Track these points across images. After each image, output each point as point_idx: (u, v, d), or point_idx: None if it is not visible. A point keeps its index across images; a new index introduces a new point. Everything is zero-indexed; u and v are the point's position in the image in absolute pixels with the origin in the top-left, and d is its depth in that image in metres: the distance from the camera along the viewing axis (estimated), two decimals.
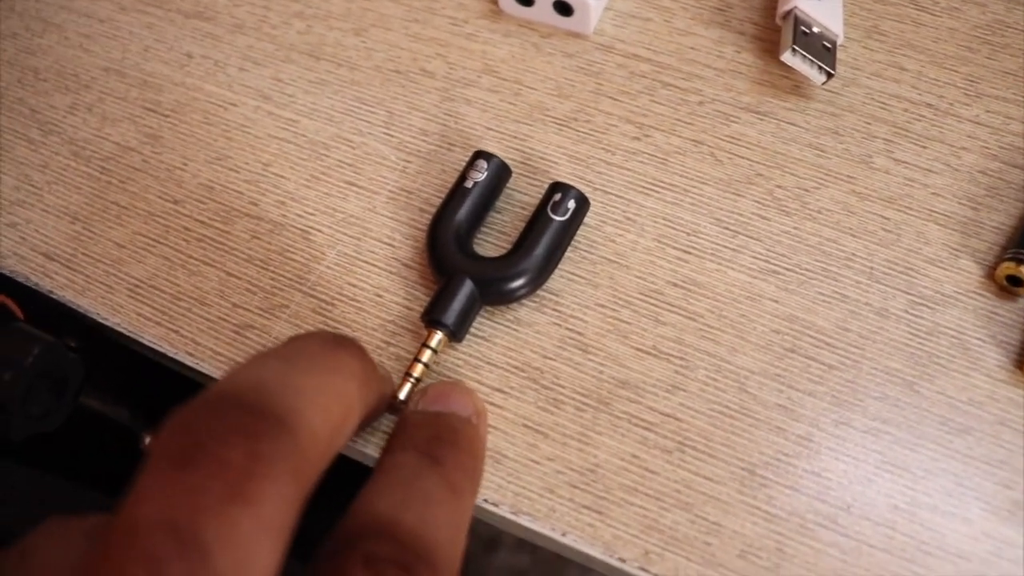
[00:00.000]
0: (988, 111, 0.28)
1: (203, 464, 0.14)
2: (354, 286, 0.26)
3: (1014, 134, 0.27)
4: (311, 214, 0.27)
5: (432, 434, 0.20)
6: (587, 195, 0.25)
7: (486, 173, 0.26)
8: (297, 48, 0.30)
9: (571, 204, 0.25)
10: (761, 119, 0.27)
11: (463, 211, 0.25)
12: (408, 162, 0.28)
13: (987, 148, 0.27)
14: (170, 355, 0.25)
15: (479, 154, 0.26)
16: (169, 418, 0.16)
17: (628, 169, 0.27)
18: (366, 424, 0.23)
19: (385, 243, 0.27)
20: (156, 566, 0.13)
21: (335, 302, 0.26)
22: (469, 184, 0.25)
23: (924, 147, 0.27)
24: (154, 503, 0.14)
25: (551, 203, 0.25)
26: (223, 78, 0.30)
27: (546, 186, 0.26)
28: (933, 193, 0.26)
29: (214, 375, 0.25)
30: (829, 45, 0.27)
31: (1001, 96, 0.28)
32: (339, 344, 0.19)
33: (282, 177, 0.28)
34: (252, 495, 0.14)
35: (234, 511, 0.14)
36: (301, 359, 0.18)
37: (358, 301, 0.26)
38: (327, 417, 0.17)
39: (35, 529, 0.17)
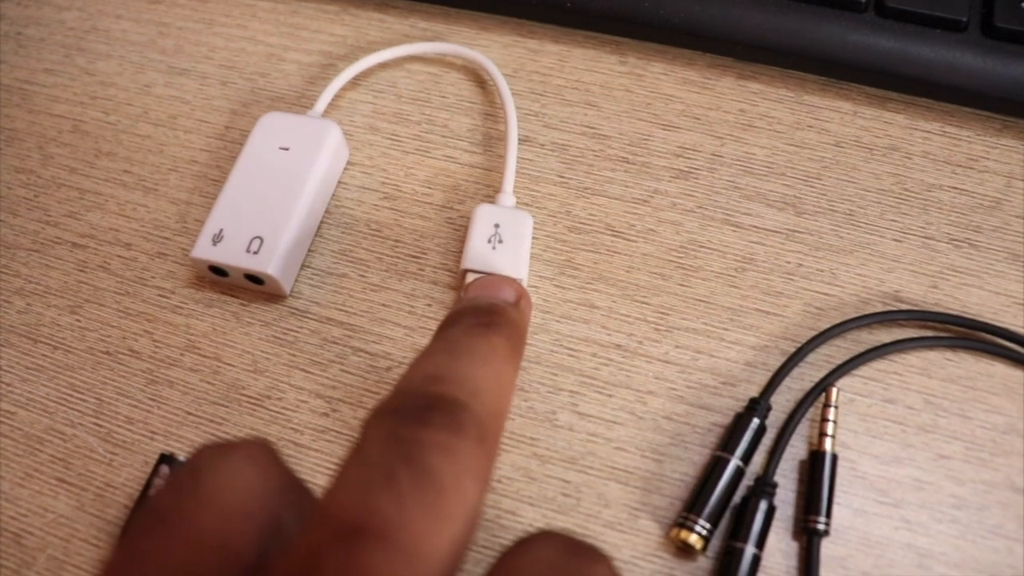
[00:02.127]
0: (678, 346, 0.29)
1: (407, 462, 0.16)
2: None
3: (702, 370, 0.28)
4: (24, 516, 0.28)
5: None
6: None
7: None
8: (16, 330, 0.31)
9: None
10: None
11: None
12: (114, 455, 0.29)
13: (674, 389, 0.28)
14: None
15: (162, 459, 0.27)
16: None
17: (316, 450, 0.28)
18: None
19: (91, 543, 0.28)
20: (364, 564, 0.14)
21: None
22: (152, 491, 0.26)
23: (610, 396, 0.28)
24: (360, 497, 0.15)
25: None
26: None
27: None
28: (616, 448, 0.27)
29: None
30: None
31: (691, 327, 0.29)
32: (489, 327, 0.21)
33: None
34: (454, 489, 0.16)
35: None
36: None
37: None
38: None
39: (196, 452, 0.18)
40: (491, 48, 0.35)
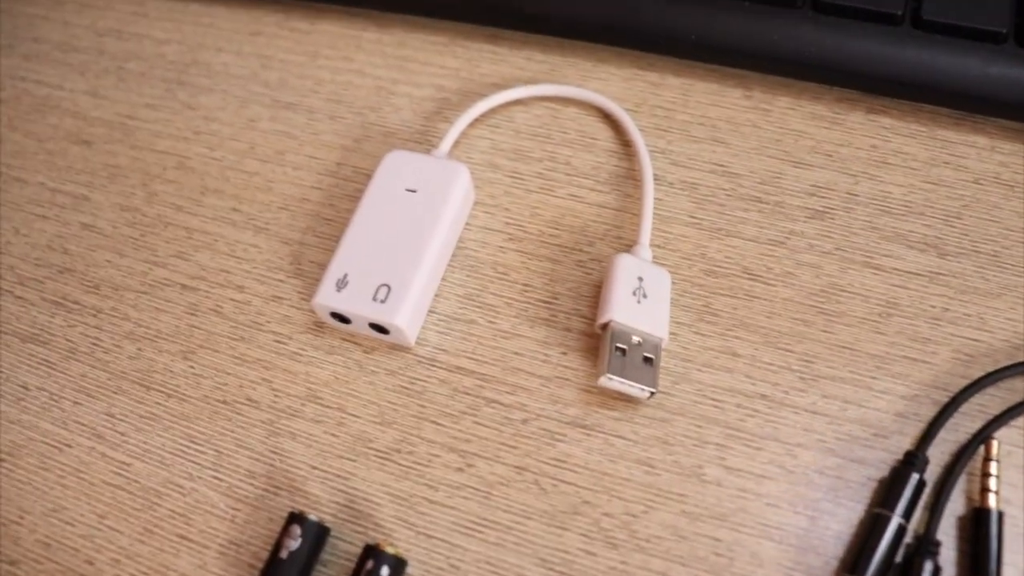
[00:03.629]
0: (824, 396, 0.28)
1: None
2: None
3: (851, 421, 0.27)
4: (145, 573, 0.27)
5: None
6: (411, 540, 0.26)
7: (300, 540, 0.26)
8: (128, 376, 0.30)
9: (384, 572, 0.25)
10: (588, 435, 0.27)
11: None
12: (237, 510, 0.28)
13: (823, 442, 0.27)
14: None
15: (292, 518, 0.26)
16: None
17: (451, 507, 0.27)
18: None
19: None
20: None
21: None
22: (284, 555, 0.26)
23: (759, 448, 0.27)
24: None
25: (364, 572, 0.25)
26: (57, 415, 0.30)
27: (362, 543, 0.26)
28: (767, 504, 0.26)
29: None
30: (651, 355, 0.27)
31: (838, 376, 0.28)
32: None
33: (116, 531, 0.28)
34: None
35: None
36: None
37: None
38: None
39: None
40: (610, 82, 0.34)
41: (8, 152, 0.36)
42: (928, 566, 0.25)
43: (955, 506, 0.26)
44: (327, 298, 0.29)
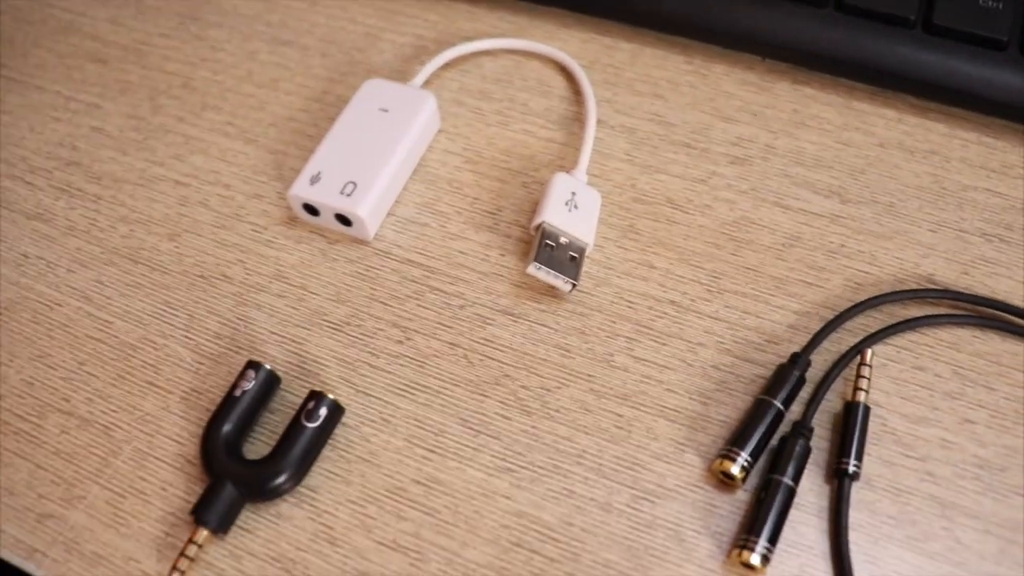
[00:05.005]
0: (727, 306, 0.32)
1: None
2: (144, 480, 0.30)
3: (748, 328, 0.31)
4: (114, 411, 0.32)
5: None
6: (351, 396, 0.30)
7: (254, 382, 0.30)
8: (119, 252, 0.35)
9: (323, 411, 0.29)
10: (515, 321, 0.32)
11: (232, 418, 0.30)
12: (201, 364, 0.32)
13: (722, 343, 0.31)
14: None
15: (249, 364, 0.30)
16: None
17: (389, 372, 0.31)
18: None
19: (174, 440, 0.31)
20: None
21: (126, 495, 0.30)
22: (238, 393, 0.30)
23: (664, 344, 0.31)
24: None
25: (305, 410, 0.29)
26: (52, 279, 0.35)
27: (307, 391, 0.30)
28: (667, 389, 0.31)
29: (14, 562, 0.29)
30: (576, 255, 0.32)
31: (740, 291, 0.32)
32: None
33: (93, 376, 0.32)
34: None
35: None
36: None
37: (145, 494, 0.30)
38: None
39: None
40: (569, 42, 0.39)
41: (31, 64, 0.41)
42: (799, 444, 0.29)
43: (831, 405, 0.31)
44: (301, 189, 0.33)
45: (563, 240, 0.31)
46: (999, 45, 0.34)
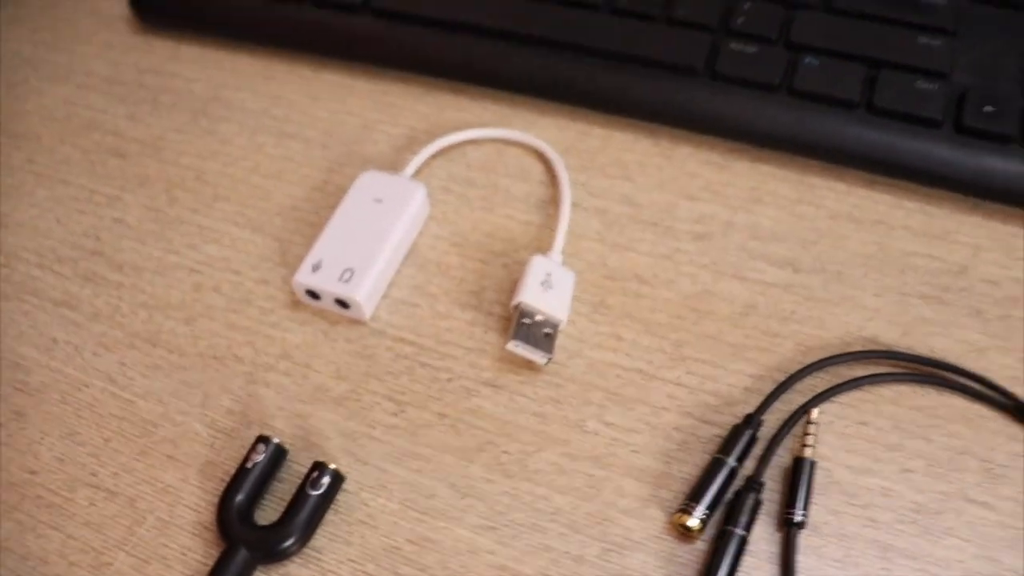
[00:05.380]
0: (688, 372, 0.36)
1: None
2: (166, 546, 0.35)
3: (707, 392, 0.36)
4: (138, 484, 0.36)
5: None
6: (351, 465, 0.34)
7: (264, 455, 0.34)
8: (140, 336, 0.39)
9: (326, 480, 0.34)
10: (497, 392, 0.36)
11: (244, 488, 0.34)
12: (216, 438, 0.36)
13: (683, 407, 0.35)
14: None
15: (260, 439, 0.35)
16: None
17: (385, 442, 0.36)
18: None
19: (192, 509, 0.35)
20: None
21: (150, 560, 0.34)
22: (249, 465, 0.34)
23: (630, 409, 0.35)
24: None
25: (310, 479, 0.34)
26: (79, 363, 0.39)
27: (311, 462, 0.34)
28: (633, 451, 0.35)
29: None
30: (550, 331, 0.36)
31: (700, 358, 0.36)
32: None
33: (118, 451, 0.37)
34: None
35: None
36: None
37: (167, 560, 0.34)
38: None
39: None
40: (547, 129, 0.44)
41: (57, 159, 0.46)
42: (751, 498, 0.33)
43: (782, 460, 0.35)
44: (304, 277, 0.38)
45: (539, 318, 0.36)
46: (935, 123, 0.38)
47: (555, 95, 0.43)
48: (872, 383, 0.34)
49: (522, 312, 0.35)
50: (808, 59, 0.40)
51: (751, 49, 0.41)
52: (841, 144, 0.39)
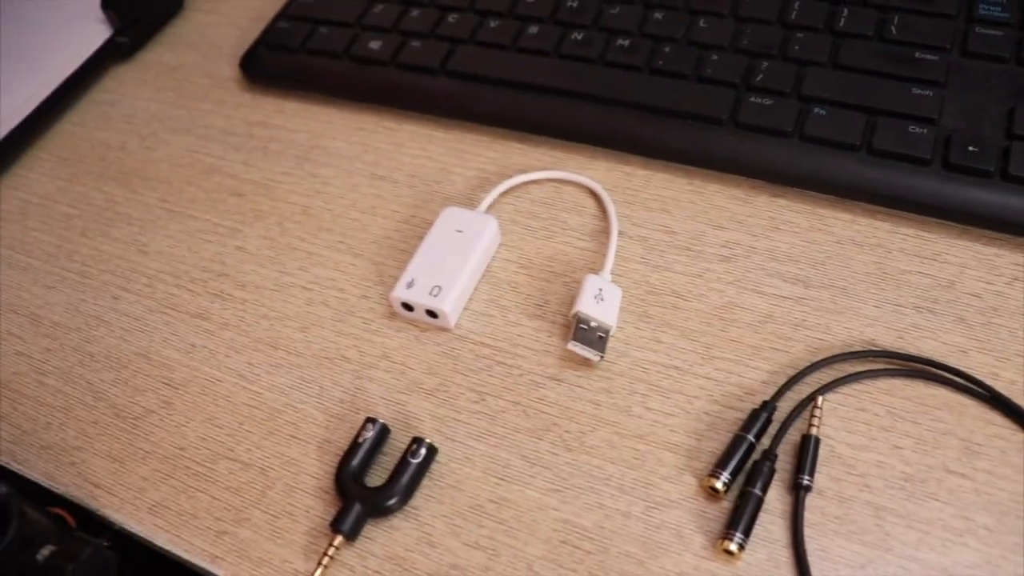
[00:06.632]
0: (716, 369, 0.47)
1: None
2: (292, 505, 0.45)
3: (731, 384, 0.46)
4: (268, 458, 0.47)
5: None
6: (442, 442, 0.44)
7: (372, 432, 0.45)
8: (263, 341, 0.51)
9: (423, 451, 0.44)
10: (559, 384, 0.47)
11: (357, 457, 0.45)
12: (330, 421, 0.48)
13: (712, 396, 0.46)
14: (178, 553, 0.45)
15: (368, 420, 0.45)
16: None
17: (469, 424, 0.46)
18: None
19: (313, 476, 0.46)
20: None
21: (280, 516, 0.45)
22: (360, 440, 0.45)
23: (668, 398, 0.46)
24: None
25: (409, 451, 0.44)
26: (214, 363, 0.51)
27: (410, 438, 0.45)
28: (671, 430, 0.45)
29: (203, 566, 0.45)
30: (603, 335, 0.47)
31: (726, 358, 0.47)
32: None
33: (250, 432, 0.48)
34: None
35: None
36: None
37: (294, 515, 0.45)
38: None
39: None
40: (597, 171, 0.55)
41: (185, 199, 0.58)
42: (767, 466, 0.43)
43: (792, 438, 0.45)
44: (400, 292, 0.49)
45: (593, 324, 0.46)
46: (925, 162, 0.49)
47: (604, 142, 0.53)
48: (869, 377, 0.44)
49: (579, 319, 0.46)
50: (817, 109, 0.50)
51: (768, 102, 0.51)
52: (846, 181, 0.49)
